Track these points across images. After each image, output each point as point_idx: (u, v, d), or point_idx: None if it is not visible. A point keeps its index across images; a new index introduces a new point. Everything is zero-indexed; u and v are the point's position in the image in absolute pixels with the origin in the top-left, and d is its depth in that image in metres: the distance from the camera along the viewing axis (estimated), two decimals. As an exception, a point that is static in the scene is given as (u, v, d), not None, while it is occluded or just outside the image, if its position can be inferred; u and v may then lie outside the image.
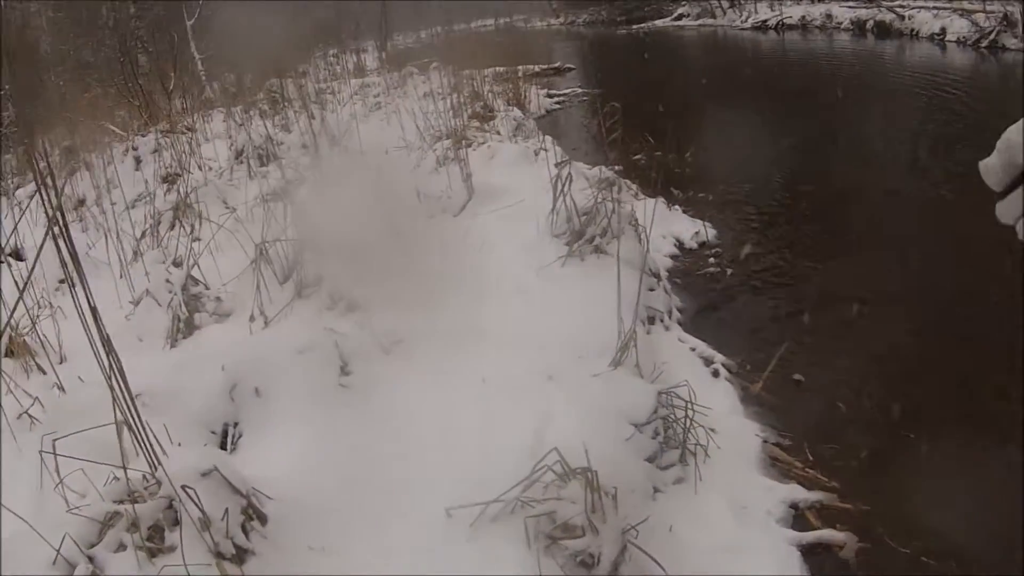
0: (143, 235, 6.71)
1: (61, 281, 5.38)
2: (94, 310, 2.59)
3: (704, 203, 7.13)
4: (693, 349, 4.62)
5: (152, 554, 2.55)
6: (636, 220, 5.25)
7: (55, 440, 2.83)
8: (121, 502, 2.65)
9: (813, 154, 8.28)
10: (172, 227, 6.87)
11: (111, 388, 2.57)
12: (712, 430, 3.56)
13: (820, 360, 4.35)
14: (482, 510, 2.89)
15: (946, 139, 8.27)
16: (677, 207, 6.94)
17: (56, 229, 2.50)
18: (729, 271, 5.68)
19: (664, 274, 5.59)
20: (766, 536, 3.03)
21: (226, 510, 2.70)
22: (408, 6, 25.45)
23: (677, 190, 7.35)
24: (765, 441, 3.65)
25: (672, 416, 3.51)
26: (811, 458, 3.53)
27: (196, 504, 2.62)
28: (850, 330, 4.63)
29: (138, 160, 10.23)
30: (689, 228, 6.44)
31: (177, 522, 2.63)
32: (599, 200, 5.29)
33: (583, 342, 4.07)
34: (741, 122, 10.03)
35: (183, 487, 2.60)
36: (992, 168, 0.87)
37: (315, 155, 6.80)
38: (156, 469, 2.74)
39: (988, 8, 15.70)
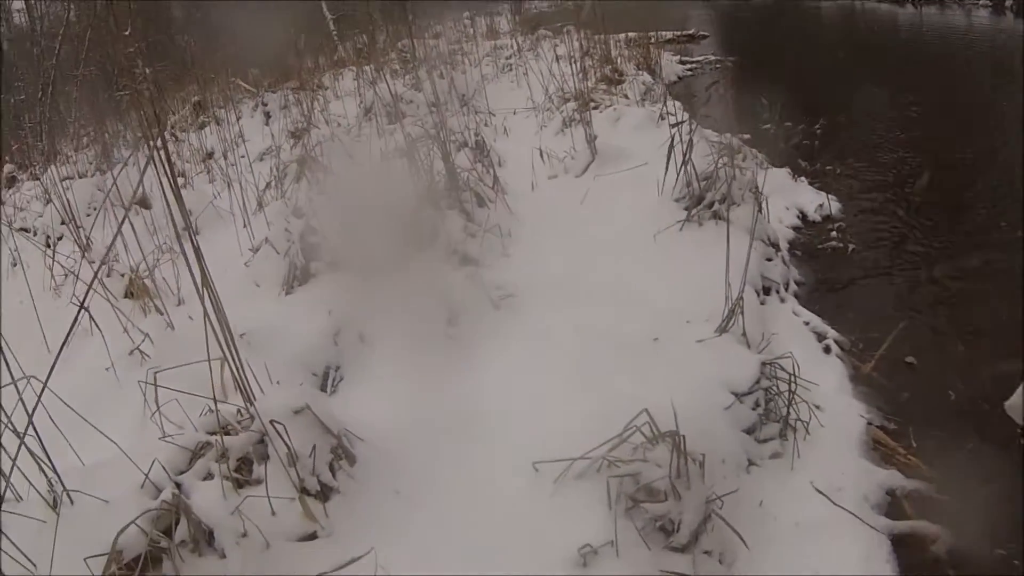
0: (267, 186, 6.88)
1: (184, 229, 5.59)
2: (197, 250, 2.68)
3: (831, 176, 6.82)
4: (807, 323, 4.45)
5: (239, 484, 2.63)
6: (757, 188, 5.08)
7: (156, 373, 2.94)
8: (213, 433, 2.74)
9: (951, 133, 7.79)
10: (297, 180, 7.02)
11: (208, 324, 2.65)
12: (816, 407, 3.44)
13: (936, 344, 4.11)
14: (568, 466, 2.86)
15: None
16: (803, 178, 6.66)
17: (168, 180, 2.59)
18: (851, 247, 5.41)
19: (784, 245, 5.41)
20: (858, 520, 2.89)
21: (314, 447, 2.76)
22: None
23: (804, 161, 7.05)
24: (869, 423, 3.47)
25: (775, 388, 3.40)
26: (914, 444, 3.34)
27: (284, 440, 2.68)
28: (972, 317, 4.35)
29: (267, 115, 10.52)
30: (814, 200, 6.17)
31: (266, 457, 2.70)
32: (719, 166, 5.15)
33: (692, 307, 4.00)
34: (876, 96, 9.56)
35: (272, 422, 2.67)
36: (1019, 407, 0.76)
37: (441, 114, 6.82)
38: (251, 404, 2.82)
39: None
